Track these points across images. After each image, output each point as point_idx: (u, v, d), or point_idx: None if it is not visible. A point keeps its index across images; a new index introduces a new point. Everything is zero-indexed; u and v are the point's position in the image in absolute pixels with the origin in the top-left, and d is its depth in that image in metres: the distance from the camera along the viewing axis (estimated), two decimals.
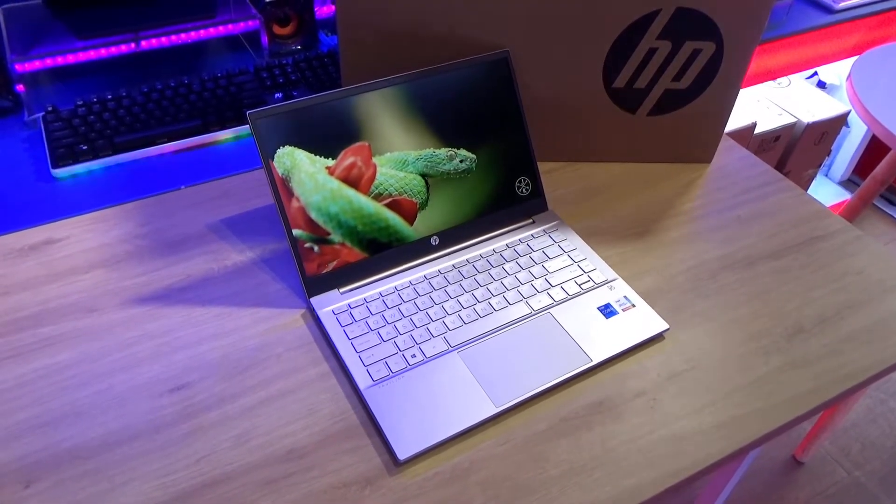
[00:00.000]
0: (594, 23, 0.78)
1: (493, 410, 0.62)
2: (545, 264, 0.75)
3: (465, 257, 0.75)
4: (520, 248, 0.77)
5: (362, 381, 0.63)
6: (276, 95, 0.97)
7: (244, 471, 0.58)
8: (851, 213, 1.47)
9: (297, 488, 0.57)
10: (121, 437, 0.60)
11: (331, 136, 0.70)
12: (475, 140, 0.76)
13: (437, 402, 0.62)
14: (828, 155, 1.62)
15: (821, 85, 1.76)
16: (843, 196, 1.88)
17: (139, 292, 0.72)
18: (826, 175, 1.94)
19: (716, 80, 0.84)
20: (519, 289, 0.72)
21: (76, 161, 0.86)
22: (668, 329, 0.70)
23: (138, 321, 0.69)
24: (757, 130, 1.40)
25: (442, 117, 0.75)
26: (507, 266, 0.75)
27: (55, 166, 0.85)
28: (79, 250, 0.76)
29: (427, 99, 0.74)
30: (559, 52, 0.81)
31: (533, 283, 0.73)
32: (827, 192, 1.89)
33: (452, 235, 0.76)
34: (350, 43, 0.79)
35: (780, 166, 1.54)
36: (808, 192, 1.82)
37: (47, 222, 0.80)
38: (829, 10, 1.35)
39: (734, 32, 0.80)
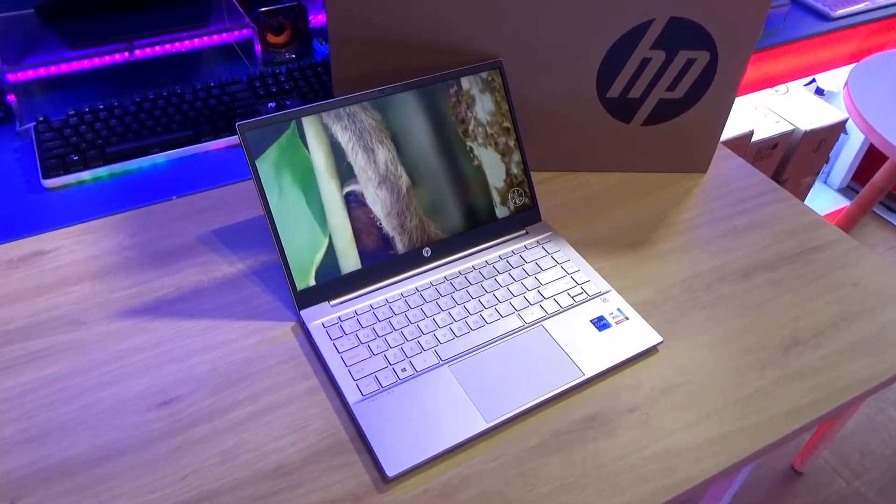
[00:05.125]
0: (588, 33, 0.78)
1: (483, 426, 0.61)
2: (538, 276, 0.74)
3: (457, 269, 0.75)
4: (513, 259, 0.76)
5: (352, 395, 0.63)
6: (269, 105, 0.96)
7: (231, 487, 0.57)
8: (850, 220, 1.46)
9: None
10: (108, 452, 0.59)
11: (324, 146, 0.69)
12: (469, 149, 0.76)
13: (426, 418, 0.61)
14: (826, 162, 1.62)
15: (819, 92, 1.75)
16: (842, 203, 1.88)
17: (128, 305, 0.72)
18: (825, 182, 1.94)
19: (711, 90, 0.84)
20: (511, 301, 0.72)
21: (67, 171, 0.85)
22: (661, 342, 0.70)
23: (127, 334, 0.69)
24: (754, 138, 1.39)
25: (437, 125, 0.74)
26: (499, 278, 0.74)
27: (46, 177, 0.84)
28: (68, 262, 0.76)
29: (423, 107, 0.73)
30: (553, 62, 0.80)
31: (525, 295, 0.72)
32: (826, 199, 1.88)
33: (445, 247, 0.76)
34: (342, 53, 0.79)
35: (778, 174, 1.53)
36: (807, 199, 1.82)
37: (37, 233, 0.79)
38: (826, 18, 1.35)
39: (728, 42, 0.80)
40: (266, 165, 0.67)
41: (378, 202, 0.71)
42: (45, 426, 0.61)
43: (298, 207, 0.69)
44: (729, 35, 0.79)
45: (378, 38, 0.78)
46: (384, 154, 0.71)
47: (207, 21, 1.02)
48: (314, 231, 0.69)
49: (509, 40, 0.78)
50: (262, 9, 1.02)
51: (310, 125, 0.68)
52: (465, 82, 0.75)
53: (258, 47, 1.04)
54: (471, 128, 0.75)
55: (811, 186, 1.62)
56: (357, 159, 0.69)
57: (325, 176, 0.69)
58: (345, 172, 0.70)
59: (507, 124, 0.78)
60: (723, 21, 0.78)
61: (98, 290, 0.73)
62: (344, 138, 0.70)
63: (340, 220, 0.70)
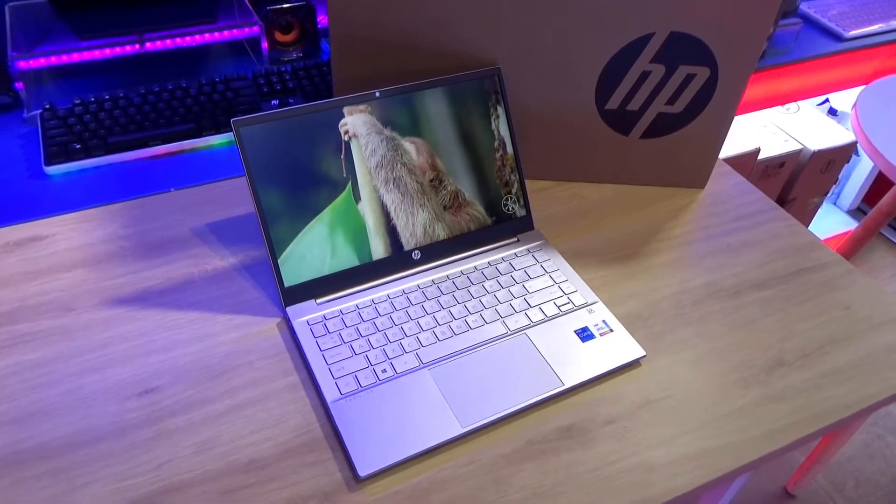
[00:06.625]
0: (588, 43, 0.78)
1: (458, 430, 0.61)
2: (525, 284, 0.75)
3: (445, 273, 0.75)
4: (502, 266, 0.76)
5: (330, 393, 0.63)
6: (273, 102, 0.97)
7: (204, 479, 0.58)
8: (856, 243, 1.45)
9: (255, 500, 0.57)
10: (85, 438, 0.60)
11: (315, 146, 0.70)
12: (465, 154, 0.76)
13: (403, 420, 0.62)
14: (835, 183, 1.60)
15: (832, 112, 1.74)
16: (851, 225, 1.86)
17: (118, 293, 0.72)
18: (834, 203, 1.92)
19: (710, 106, 0.83)
20: (497, 308, 0.72)
21: (69, 159, 0.86)
22: (644, 356, 0.69)
23: (114, 322, 0.69)
24: (761, 156, 1.39)
25: (432, 130, 0.74)
26: (486, 284, 0.74)
27: (48, 163, 0.86)
28: (63, 248, 0.77)
29: (418, 112, 0.74)
30: (552, 71, 0.80)
31: (511, 302, 0.72)
32: (835, 220, 1.86)
33: (434, 250, 0.76)
34: (342, 53, 0.79)
35: (784, 193, 1.52)
36: (815, 220, 1.80)
37: (36, 219, 0.80)
38: (839, 38, 1.34)
39: (729, 58, 0.79)
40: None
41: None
42: (26, 409, 0.62)
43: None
44: (730, 52, 0.79)
45: (379, 40, 0.78)
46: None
47: (214, 17, 1.03)
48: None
49: (509, 47, 0.79)
50: (271, 7, 1.03)
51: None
52: (463, 88, 0.76)
53: (265, 45, 1.05)
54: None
55: (819, 207, 1.61)
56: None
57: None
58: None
59: (504, 131, 0.78)
60: (724, 37, 0.78)
61: (89, 277, 0.74)
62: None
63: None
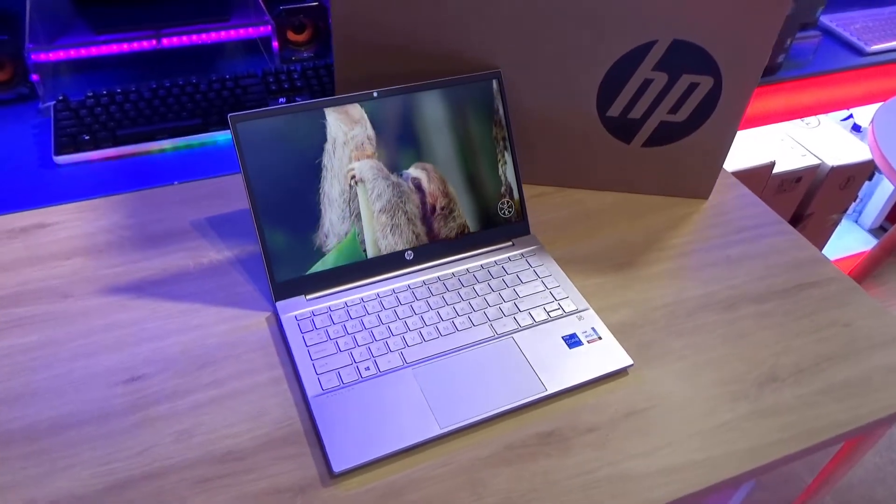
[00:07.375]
0: (589, 49, 0.78)
1: (437, 431, 0.61)
2: (517, 288, 0.74)
3: (436, 274, 0.75)
4: (494, 269, 0.76)
5: (312, 388, 0.63)
6: (280, 100, 0.98)
7: (182, 467, 0.58)
8: (873, 262, 1.42)
9: (229, 490, 0.57)
10: (70, 421, 0.61)
11: (312, 143, 0.71)
12: (461, 157, 0.76)
13: (382, 418, 0.62)
14: (855, 200, 1.57)
15: (856, 128, 1.70)
16: (872, 244, 1.82)
17: (114, 282, 0.74)
18: (856, 221, 1.88)
19: (713, 116, 0.82)
20: (486, 311, 0.72)
21: (78, 150, 0.88)
22: (632, 365, 0.69)
23: (108, 310, 0.71)
24: (777, 170, 1.36)
25: (429, 132, 0.75)
26: (477, 287, 0.74)
27: (57, 153, 0.88)
28: (65, 236, 0.78)
29: (416, 113, 0.74)
30: (552, 76, 0.80)
31: (501, 306, 0.72)
32: (855, 238, 1.82)
33: (427, 251, 0.76)
34: (345, 54, 0.80)
35: (801, 209, 1.49)
36: (835, 237, 1.77)
37: (42, 207, 0.82)
38: (860, 52, 1.31)
39: (733, 69, 0.78)
40: None
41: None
42: (16, 391, 0.63)
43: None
44: (734, 62, 0.78)
45: (381, 42, 0.79)
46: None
47: (228, 16, 1.05)
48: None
49: (511, 50, 0.79)
50: (284, 7, 1.04)
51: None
52: (463, 90, 0.76)
53: (275, 44, 1.06)
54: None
55: (837, 224, 1.58)
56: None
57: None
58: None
59: (502, 135, 0.78)
60: (728, 47, 0.77)
61: (88, 265, 0.75)
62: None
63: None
